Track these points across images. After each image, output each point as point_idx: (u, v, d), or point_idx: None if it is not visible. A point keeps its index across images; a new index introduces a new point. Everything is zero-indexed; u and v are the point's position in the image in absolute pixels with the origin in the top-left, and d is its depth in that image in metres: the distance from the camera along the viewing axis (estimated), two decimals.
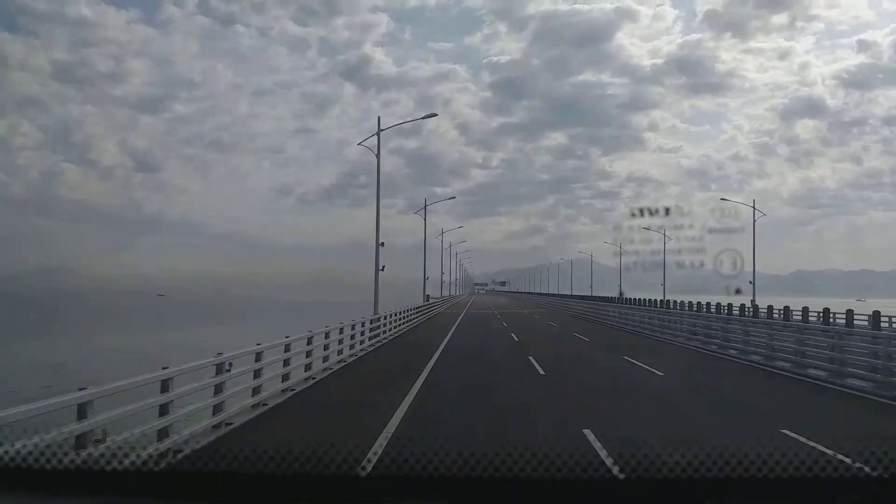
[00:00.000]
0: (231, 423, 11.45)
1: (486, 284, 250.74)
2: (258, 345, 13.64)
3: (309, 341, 17.21)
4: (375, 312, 29.01)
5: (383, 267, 32.23)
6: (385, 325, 29.88)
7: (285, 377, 15.03)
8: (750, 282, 35.25)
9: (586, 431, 10.38)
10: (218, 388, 11.31)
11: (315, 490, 2.59)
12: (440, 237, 74.82)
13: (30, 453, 3.06)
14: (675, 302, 44.08)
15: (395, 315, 33.59)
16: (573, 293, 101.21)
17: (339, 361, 20.36)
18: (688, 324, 32.18)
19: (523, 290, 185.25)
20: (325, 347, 18.78)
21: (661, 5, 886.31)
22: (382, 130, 31.95)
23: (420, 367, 19.52)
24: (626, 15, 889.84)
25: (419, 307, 45.17)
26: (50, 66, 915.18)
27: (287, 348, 15.09)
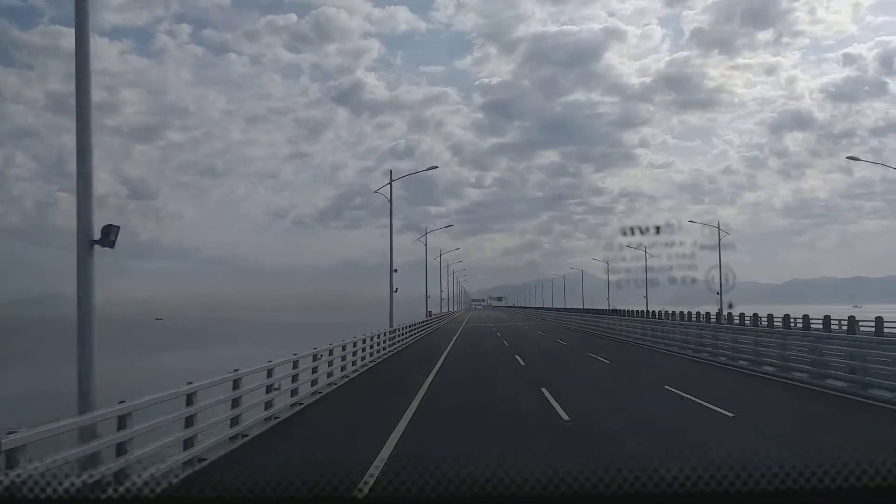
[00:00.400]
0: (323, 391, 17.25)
1: (483, 300, 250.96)
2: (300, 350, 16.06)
3: (355, 343, 23.68)
4: (391, 326, 35.03)
5: (396, 289, 38.09)
6: (401, 334, 36.66)
7: (313, 382, 18.00)
8: (717, 292, 41.44)
9: (543, 389, 17.68)
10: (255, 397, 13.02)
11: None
12: (437, 258, 78.51)
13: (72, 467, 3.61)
14: (653, 312, 48.48)
15: (408, 327, 41.13)
16: (566, 307, 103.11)
17: (372, 361, 26.97)
18: (657, 330, 37.88)
19: (520, 305, 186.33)
20: (363, 349, 25.21)
21: (649, 24, 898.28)
22: (395, 180, 38.67)
23: (435, 361, 27.80)
24: (614, 35, 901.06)
25: (423, 321, 51.76)
26: (44, 97, 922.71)
27: (317, 356, 18.40)
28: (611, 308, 64.02)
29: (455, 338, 45.28)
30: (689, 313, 40.57)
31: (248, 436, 12.38)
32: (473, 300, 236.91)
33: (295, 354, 15.98)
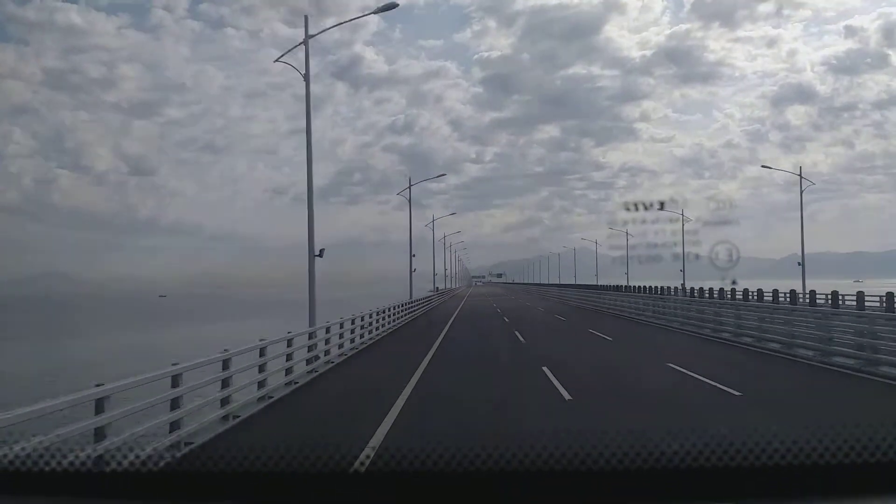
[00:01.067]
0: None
1: (484, 277, 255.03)
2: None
3: (395, 307, 32.84)
4: (411, 298, 42.77)
5: (415, 269, 45.78)
6: (418, 305, 44.67)
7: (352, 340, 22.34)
8: (681, 269, 47.86)
9: (515, 332, 28.41)
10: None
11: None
12: (442, 239, 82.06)
13: (46, 449, 3.86)
14: (623, 287, 56.11)
15: (423, 299, 50.55)
16: (561, 283, 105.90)
17: (403, 320, 35.33)
18: (621, 301, 45.16)
19: (519, 281, 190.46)
20: (397, 312, 33.54)
21: None
22: (413, 185, 47.75)
23: (449, 317, 40.33)
24: (613, 7, 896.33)
25: (426, 297, 57.12)
26: (41, 73, 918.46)
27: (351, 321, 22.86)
28: (597, 283, 71.10)
29: (460, 307, 57.06)
30: (656, 287, 48.24)
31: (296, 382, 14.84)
32: (474, 276, 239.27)
33: (353, 314, 22.72)
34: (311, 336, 17.25)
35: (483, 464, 2.11)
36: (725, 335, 23.89)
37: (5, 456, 2.49)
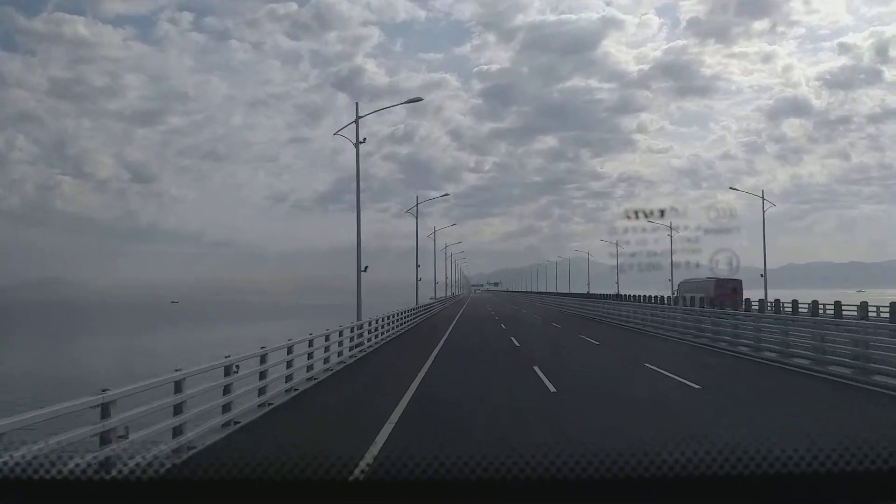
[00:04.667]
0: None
1: (482, 285, 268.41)
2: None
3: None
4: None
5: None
6: (435, 304, 59.36)
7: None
8: (669, 279, 54.77)
9: (502, 324, 42.58)
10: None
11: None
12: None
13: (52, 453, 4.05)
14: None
15: (441, 299, 68.75)
16: (564, 292, 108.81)
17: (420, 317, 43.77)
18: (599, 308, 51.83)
19: (515, 290, 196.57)
20: (408, 316, 38.64)
21: (646, 14, 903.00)
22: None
23: (460, 308, 67.41)
24: (611, 23, 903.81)
25: (436, 301, 65.19)
26: (47, 82, 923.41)
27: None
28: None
29: (463, 308, 67.88)
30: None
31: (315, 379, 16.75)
32: (473, 285, 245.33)
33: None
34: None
35: (483, 472, 2.07)
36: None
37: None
